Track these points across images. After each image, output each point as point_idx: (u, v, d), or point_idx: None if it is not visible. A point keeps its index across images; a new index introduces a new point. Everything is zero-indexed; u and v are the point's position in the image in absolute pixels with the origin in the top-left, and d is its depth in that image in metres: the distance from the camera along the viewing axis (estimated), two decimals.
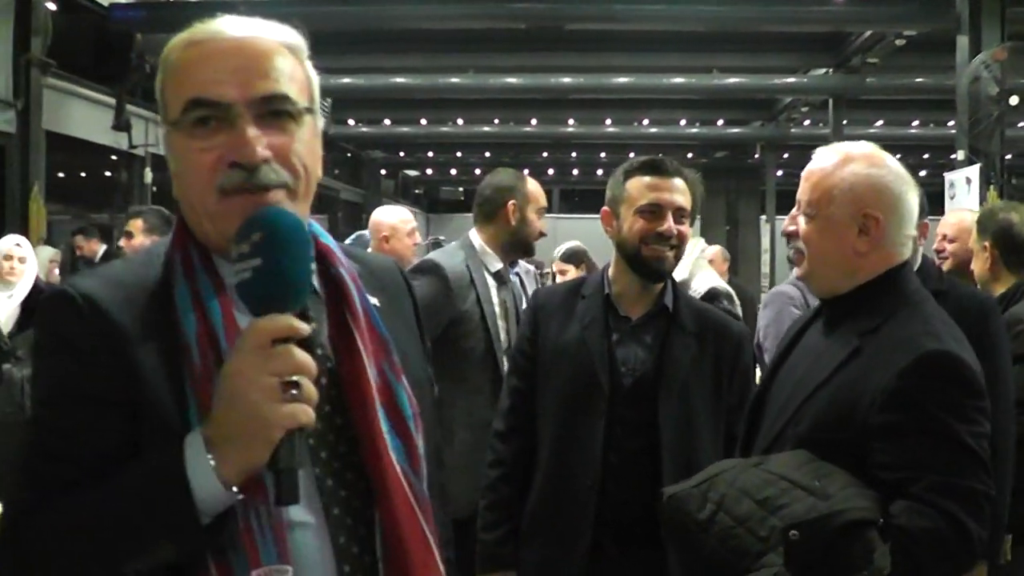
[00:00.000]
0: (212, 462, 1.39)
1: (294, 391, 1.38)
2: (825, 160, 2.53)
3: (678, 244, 3.18)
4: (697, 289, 4.32)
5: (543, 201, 4.45)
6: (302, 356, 1.39)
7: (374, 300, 1.71)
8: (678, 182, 3.21)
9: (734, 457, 2.64)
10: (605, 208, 3.29)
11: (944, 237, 5.11)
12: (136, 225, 6.32)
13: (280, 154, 1.55)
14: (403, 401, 1.64)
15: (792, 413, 2.40)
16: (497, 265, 4.30)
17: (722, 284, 4.50)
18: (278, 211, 1.49)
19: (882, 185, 2.47)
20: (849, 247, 2.44)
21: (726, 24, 13.36)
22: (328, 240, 1.71)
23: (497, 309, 4.24)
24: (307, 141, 1.61)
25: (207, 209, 1.56)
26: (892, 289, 2.45)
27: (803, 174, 2.54)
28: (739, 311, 4.37)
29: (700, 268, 4.54)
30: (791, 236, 2.55)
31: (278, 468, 1.38)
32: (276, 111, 1.57)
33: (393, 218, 5.94)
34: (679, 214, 3.18)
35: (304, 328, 1.42)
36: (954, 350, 2.27)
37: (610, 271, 3.28)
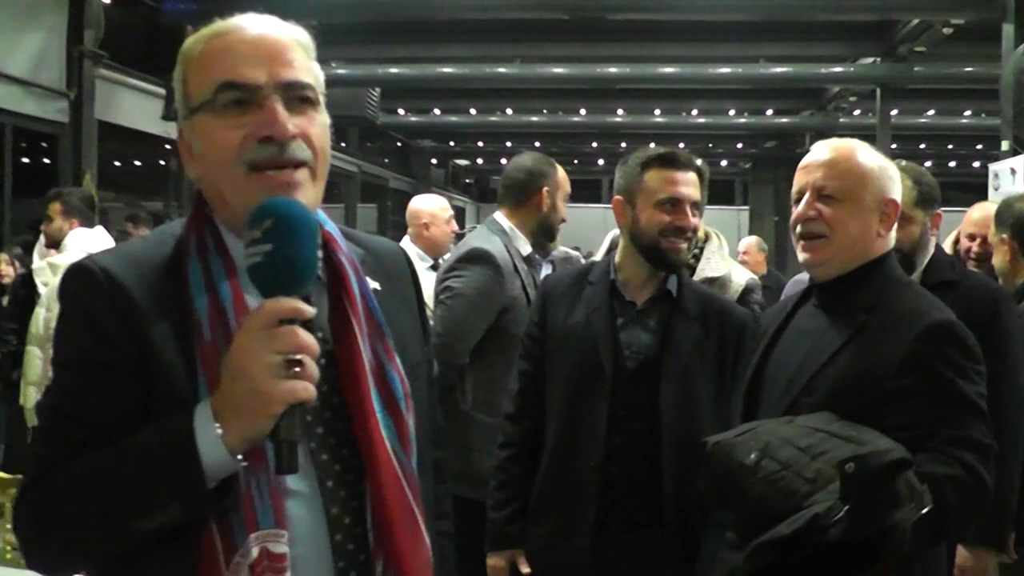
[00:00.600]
0: (219, 431, 1.48)
1: (296, 368, 1.46)
2: (841, 149, 2.68)
3: (691, 236, 3.27)
4: (737, 282, 4.38)
5: (568, 188, 4.50)
6: (305, 336, 1.48)
7: (374, 284, 1.81)
8: (693, 175, 3.27)
9: None
10: (618, 197, 3.35)
11: (971, 237, 5.08)
12: (55, 208, 6.37)
13: (304, 134, 1.68)
14: (395, 382, 1.73)
15: (803, 386, 2.56)
16: (527, 249, 4.32)
17: (754, 278, 4.55)
18: (288, 200, 1.58)
19: (894, 174, 2.70)
20: (872, 232, 2.63)
21: (772, 13, 13.34)
22: (331, 227, 1.80)
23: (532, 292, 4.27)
24: (322, 126, 1.73)
25: (234, 184, 1.66)
26: (884, 271, 2.65)
27: (818, 162, 2.67)
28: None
29: (728, 261, 4.60)
30: (809, 221, 2.64)
31: (279, 439, 1.47)
32: (300, 96, 1.69)
33: (432, 205, 6.00)
34: (696, 205, 3.26)
35: (308, 311, 1.50)
36: (955, 319, 2.51)
37: (616, 257, 3.36)
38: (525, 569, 3.28)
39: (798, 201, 2.69)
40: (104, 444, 1.56)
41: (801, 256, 2.69)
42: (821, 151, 2.70)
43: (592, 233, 4.63)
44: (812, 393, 2.53)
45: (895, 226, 2.69)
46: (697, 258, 4.46)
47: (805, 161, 2.72)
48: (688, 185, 3.25)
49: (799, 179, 2.71)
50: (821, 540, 2.15)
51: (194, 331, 1.60)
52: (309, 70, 1.74)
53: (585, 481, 3.16)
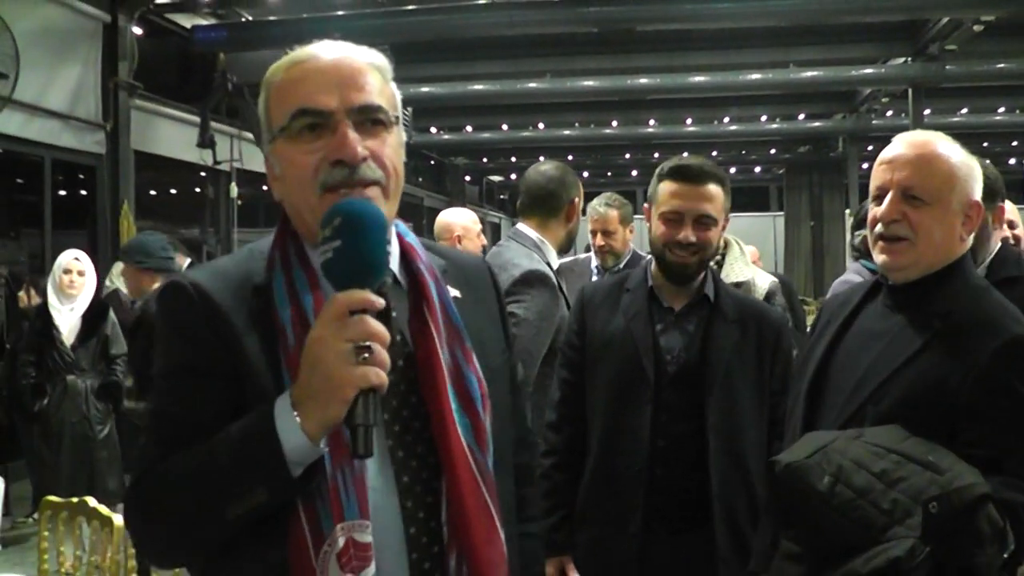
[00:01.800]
0: (297, 418, 1.56)
1: (366, 355, 1.52)
2: (928, 145, 2.51)
3: (701, 249, 3.23)
4: (761, 286, 4.41)
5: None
6: (375, 324, 1.55)
7: (455, 292, 1.90)
8: (705, 188, 3.23)
9: (779, 439, 2.71)
10: (645, 204, 3.39)
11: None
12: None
13: (375, 155, 1.76)
14: (472, 383, 1.81)
15: (871, 392, 2.43)
16: (557, 261, 4.22)
17: (776, 281, 4.57)
18: (356, 200, 1.68)
19: (978, 174, 2.54)
20: (956, 236, 2.48)
21: (801, 17, 13.30)
22: (411, 239, 1.93)
23: None
24: (395, 146, 1.82)
25: (310, 205, 1.75)
26: (962, 275, 2.50)
27: (904, 158, 2.50)
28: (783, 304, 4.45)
29: (750, 266, 4.61)
30: (892, 223, 2.49)
31: (354, 424, 1.53)
32: (372, 119, 1.77)
33: (465, 219, 5.99)
34: (702, 220, 3.23)
35: (378, 301, 1.56)
36: None
37: (653, 265, 3.38)
38: (573, 575, 3.29)
39: (878, 198, 2.53)
40: (200, 440, 1.66)
41: (880, 258, 2.54)
42: (906, 146, 2.52)
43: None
44: (880, 402, 2.41)
45: (975, 228, 2.55)
46: (720, 265, 4.48)
47: (888, 155, 2.54)
48: (694, 199, 3.23)
49: (880, 175, 2.53)
50: None
51: (279, 338, 1.70)
52: (382, 92, 1.81)
53: (630, 485, 3.19)
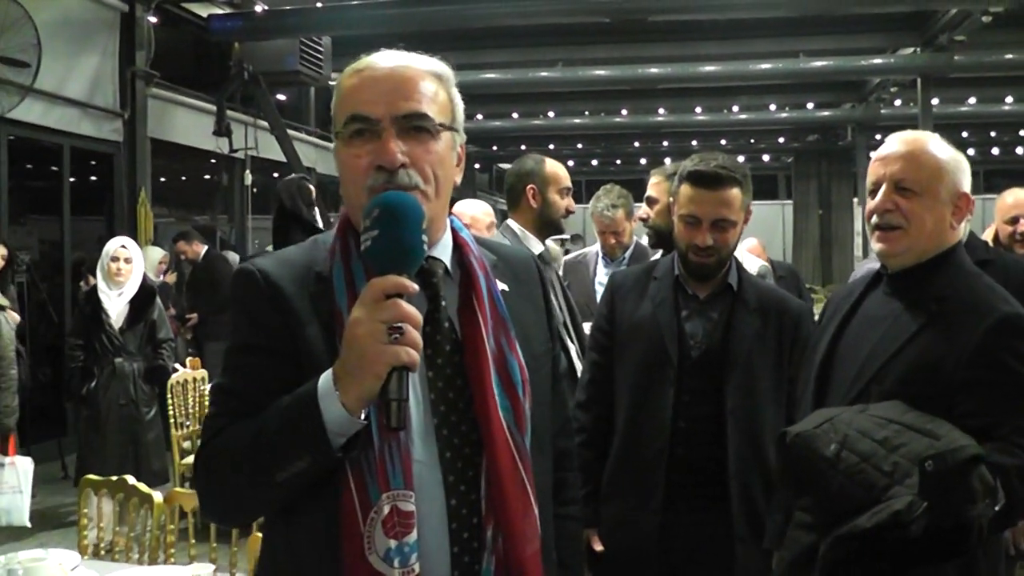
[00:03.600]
0: (337, 393, 1.71)
1: (397, 335, 1.65)
2: (918, 142, 2.76)
3: (718, 251, 3.39)
4: (750, 271, 4.58)
5: (565, 182, 4.57)
6: (407, 307, 1.67)
7: (503, 286, 2.05)
8: (722, 194, 3.37)
9: (794, 421, 2.86)
10: (670, 199, 3.54)
11: (1013, 220, 5.17)
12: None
13: (415, 161, 1.88)
14: (514, 369, 1.95)
15: (874, 372, 2.66)
16: (539, 248, 4.45)
17: (766, 265, 4.75)
18: (394, 192, 1.81)
19: (966, 167, 2.77)
20: (946, 224, 2.72)
21: (809, 8, 13.36)
22: (466, 235, 2.08)
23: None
24: (441, 153, 1.94)
25: (359, 203, 1.87)
26: (955, 262, 2.73)
27: (896, 154, 2.75)
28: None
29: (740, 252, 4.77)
30: (886, 213, 2.73)
31: (388, 399, 1.66)
32: (416, 127, 1.90)
33: (475, 209, 6.08)
34: (719, 224, 3.37)
35: (411, 286, 1.69)
36: (1023, 312, 2.58)
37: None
38: (598, 547, 3.45)
39: (873, 192, 2.77)
40: (259, 414, 1.83)
41: (876, 246, 2.77)
42: (897, 144, 2.77)
43: (638, 232, 4.80)
44: (883, 381, 2.62)
45: (966, 218, 2.77)
46: None
47: (882, 153, 2.79)
48: (711, 204, 3.36)
49: (875, 171, 2.78)
50: (901, 535, 2.26)
51: (336, 323, 1.85)
52: (435, 100, 1.94)
53: (653, 463, 3.35)
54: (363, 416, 1.73)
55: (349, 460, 1.76)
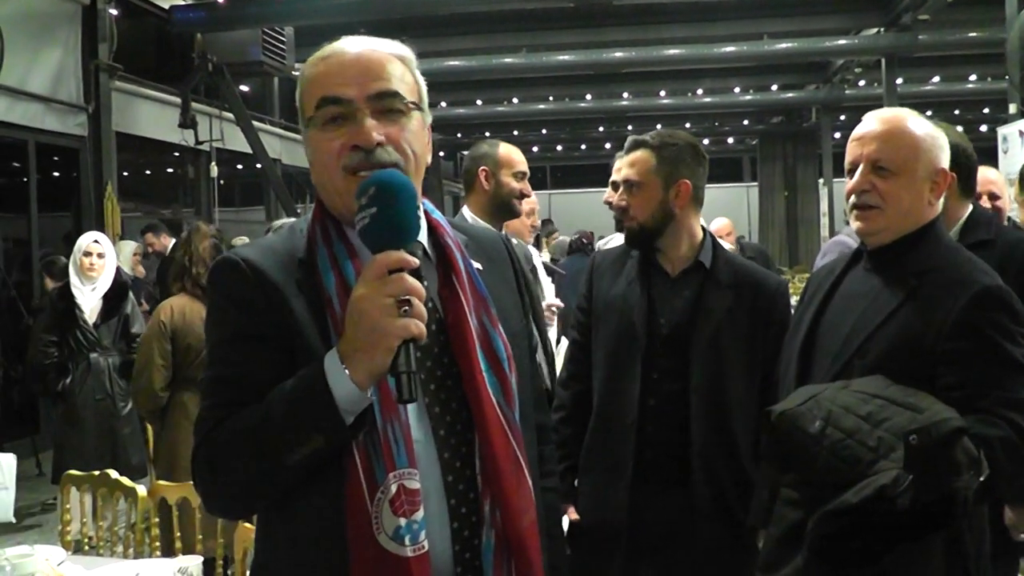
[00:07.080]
0: (346, 371, 1.71)
1: (406, 308, 1.66)
2: (894, 121, 2.77)
3: (633, 215, 3.47)
4: None
5: (519, 166, 4.55)
6: (412, 281, 1.69)
7: (477, 264, 2.05)
8: (630, 156, 3.49)
9: (774, 399, 2.87)
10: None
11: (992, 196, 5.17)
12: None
13: (392, 139, 1.91)
14: (498, 345, 1.97)
15: (857, 347, 2.68)
16: None
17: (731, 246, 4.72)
18: (387, 171, 1.82)
19: (944, 143, 2.79)
20: (924, 201, 2.73)
21: None
22: (437, 215, 2.07)
23: None
24: (415, 131, 1.97)
25: (336, 187, 1.91)
26: (934, 237, 2.75)
27: (872, 133, 2.76)
28: None
29: None
30: (863, 193, 2.74)
31: (399, 372, 1.67)
32: (389, 108, 1.92)
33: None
34: (626, 185, 3.49)
35: (413, 260, 1.71)
36: (1003, 284, 2.61)
37: None
38: (574, 516, 3.48)
39: (851, 172, 2.79)
40: (257, 402, 1.81)
41: (855, 225, 2.79)
42: (874, 123, 2.78)
43: (600, 217, 4.79)
44: (865, 356, 2.64)
45: (944, 193, 2.79)
46: None
47: (858, 132, 2.80)
48: (623, 167, 3.52)
49: (852, 150, 2.79)
50: (888, 508, 2.27)
51: (326, 305, 1.86)
52: (403, 80, 1.96)
53: (623, 439, 3.38)
54: (369, 393, 1.74)
55: (355, 442, 1.77)
